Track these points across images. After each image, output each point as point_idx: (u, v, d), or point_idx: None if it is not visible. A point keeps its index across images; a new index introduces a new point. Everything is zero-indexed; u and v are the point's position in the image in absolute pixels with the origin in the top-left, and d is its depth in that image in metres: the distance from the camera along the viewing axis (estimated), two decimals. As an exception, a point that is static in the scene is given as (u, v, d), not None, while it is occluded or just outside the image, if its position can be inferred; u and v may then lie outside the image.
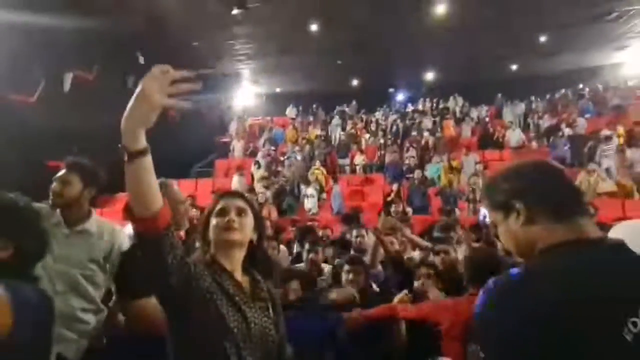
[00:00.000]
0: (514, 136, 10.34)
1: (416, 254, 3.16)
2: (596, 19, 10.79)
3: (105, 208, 8.40)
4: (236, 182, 8.53)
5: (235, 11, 9.27)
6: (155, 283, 0.96)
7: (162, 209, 0.90)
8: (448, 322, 1.77)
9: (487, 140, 10.66)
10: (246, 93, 17.33)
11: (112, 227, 1.77)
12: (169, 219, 0.94)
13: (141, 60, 10.44)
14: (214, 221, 1.16)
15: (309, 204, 7.35)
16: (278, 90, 17.39)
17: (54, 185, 1.65)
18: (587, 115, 11.47)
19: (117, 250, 1.67)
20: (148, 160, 0.87)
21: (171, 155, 10.85)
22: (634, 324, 0.67)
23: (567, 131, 9.79)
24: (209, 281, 1.05)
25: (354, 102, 14.96)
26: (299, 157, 9.75)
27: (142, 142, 0.85)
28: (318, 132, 12.53)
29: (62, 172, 1.68)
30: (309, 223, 5.39)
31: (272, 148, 11.10)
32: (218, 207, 1.18)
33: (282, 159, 10.25)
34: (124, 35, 9.30)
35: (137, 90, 0.80)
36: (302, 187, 7.78)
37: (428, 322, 1.84)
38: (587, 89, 14.09)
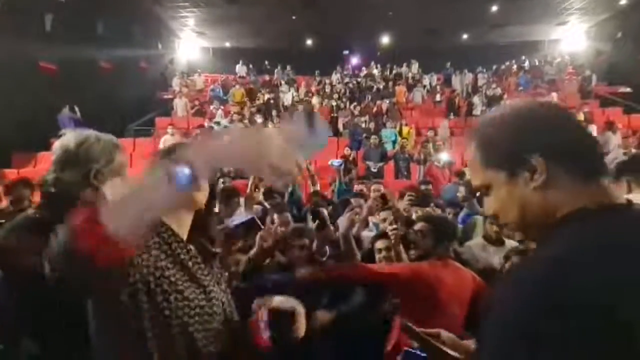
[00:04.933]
0: (479, 104, 10.65)
1: (365, 234, 2.90)
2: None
3: (24, 168, 7.40)
4: (166, 144, 7.74)
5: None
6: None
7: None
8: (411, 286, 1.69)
9: (452, 108, 10.80)
10: (191, 46, 15.90)
11: None
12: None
13: (62, -3, 8.95)
14: None
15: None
16: (227, 45, 16.15)
17: None
18: (521, 88, 12.14)
19: None
20: None
21: (106, 111, 9.76)
22: None
23: (509, 101, 10.27)
24: (155, 254, 0.84)
25: (288, 67, 14.33)
26: (259, 120, 9.23)
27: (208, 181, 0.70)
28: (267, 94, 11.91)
29: None
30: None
31: (221, 107, 10.39)
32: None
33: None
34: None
35: (256, 132, 0.63)
36: None
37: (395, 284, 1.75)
38: (527, 62, 14.86)
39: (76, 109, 8.64)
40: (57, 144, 1.14)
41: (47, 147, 7.01)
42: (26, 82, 7.51)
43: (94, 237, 0.62)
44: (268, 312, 0.93)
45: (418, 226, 1.88)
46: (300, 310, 0.98)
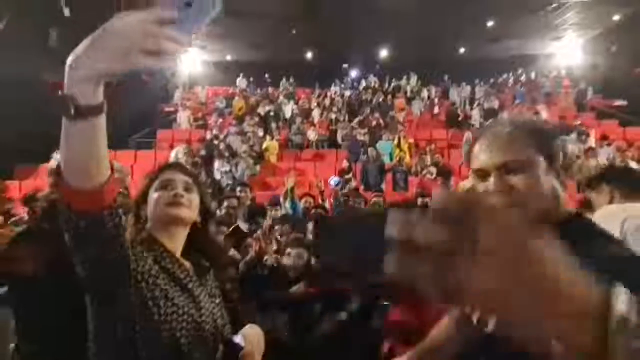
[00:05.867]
0: (476, 117, 10.78)
1: None
2: (537, 9, 11.42)
3: (26, 180, 7.46)
4: (178, 155, 7.71)
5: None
6: (86, 265, 0.79)
7: (110, 179, 0.72)
8: None
9: (453, 120, 10.88)
10: (193, 59, 16.13)
11: None
12: (116, 192, 0.76)
13: (67, 12, 9.14)
14: (155, 195, 1.01)
15: (226, 179, 6.76)
16: (228, 58, 16.38)
17: None
18: (518, 101, 12.27)
19: None
20: (103, 118, 0.67)
21: (107, 124, 9.84)
22: None
23: (506, 115, 10.40)
24: (150, 263, 0.90)
25: (284, 80, 14.44)
26: (259, 133, 9.34)
27: (100, 95, 0.66)
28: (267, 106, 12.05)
29: None
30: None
31: (220, 120, 10.51)
32: (161, 179, 1.03)
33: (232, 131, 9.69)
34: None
35: (111, 25, 0.57)
36: (217, 162, 7.14)
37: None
38: (523, 76, 15.07)
39: (78, 122, 8.73)
40: (51, 163, 1.22)
41: (49, 160, 7.08)
42: (29, 96, 7.62)
43: (68, 194, 0.69)
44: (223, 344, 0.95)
45: None
46: (254, 348, 0.98)
